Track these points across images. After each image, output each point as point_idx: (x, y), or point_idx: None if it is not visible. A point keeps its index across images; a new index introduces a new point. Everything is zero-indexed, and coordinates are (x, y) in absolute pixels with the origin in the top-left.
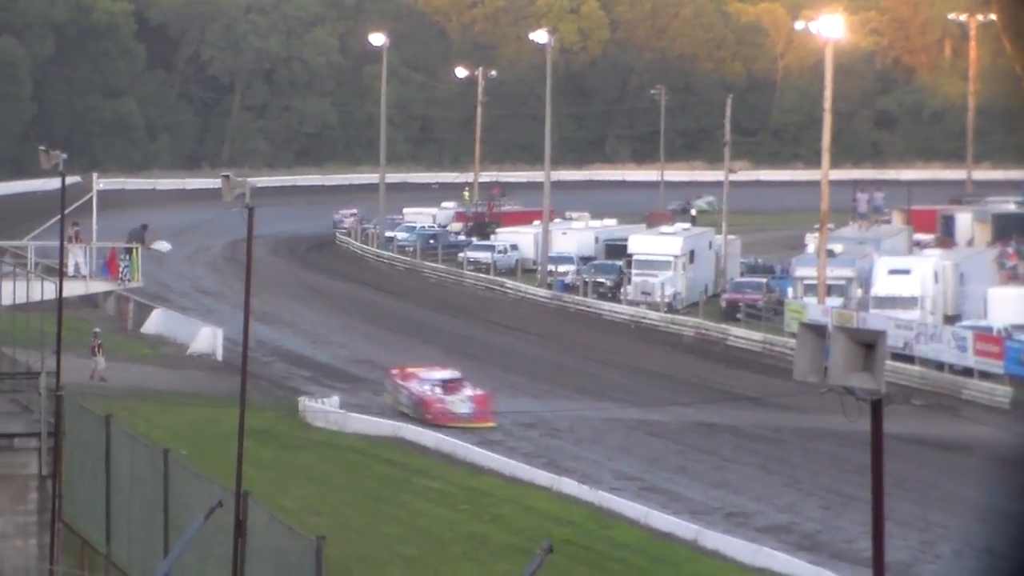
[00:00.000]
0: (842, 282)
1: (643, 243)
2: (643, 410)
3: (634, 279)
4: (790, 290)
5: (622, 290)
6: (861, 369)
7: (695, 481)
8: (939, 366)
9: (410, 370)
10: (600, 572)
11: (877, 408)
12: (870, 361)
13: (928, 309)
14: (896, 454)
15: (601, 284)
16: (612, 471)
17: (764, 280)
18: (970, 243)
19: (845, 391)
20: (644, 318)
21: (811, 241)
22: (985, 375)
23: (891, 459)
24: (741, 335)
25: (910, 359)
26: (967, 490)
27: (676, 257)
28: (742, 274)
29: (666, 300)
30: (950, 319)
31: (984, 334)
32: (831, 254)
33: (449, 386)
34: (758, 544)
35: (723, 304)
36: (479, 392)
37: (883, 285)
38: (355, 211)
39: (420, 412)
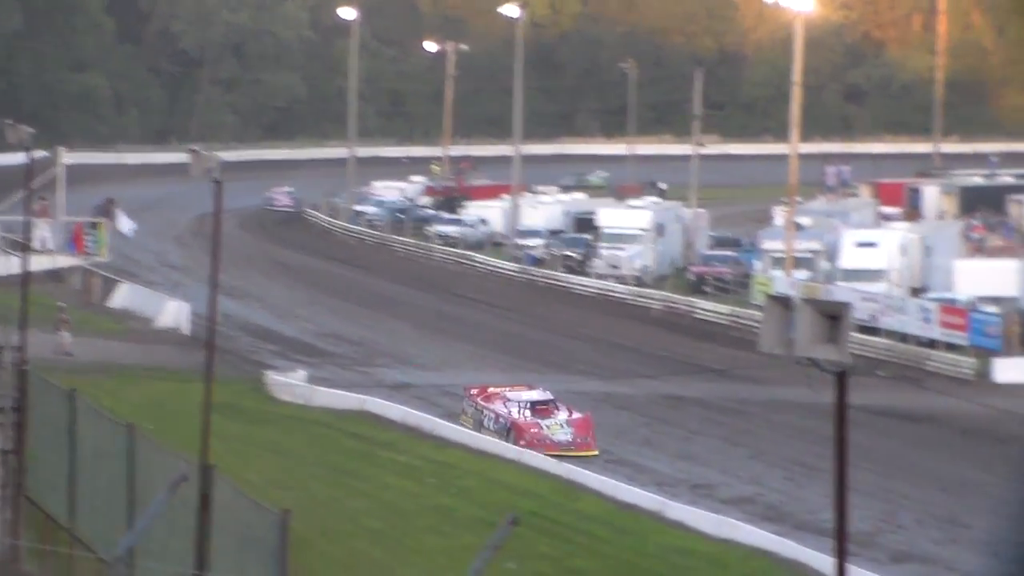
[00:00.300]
0: (809, 255)
1: (612, 217)
2: (610, 383)
3: (602, 253)
4: (758, 263)
5: (590, 264)
6: (826, 341)
7: (661, 453)
8: (905, 338)
9: (492, 390)
10: (565, 544)
11: (842, 380)
12: (835, 333)
13: (895, 281)
14: (861, 425)
15: (570, 258)
16: None
17: (733, 253)
18: (937, 216)
19: (810, 363)
20: (612, 291)
21: (779, 214)
22: (950, 347)
23: (856, 430)
24: (709, 308)
25: (876, 331)
26: (931, 461)
27: (644, 231)
28: (710, 247)
29: (634, 273)
30: (916, 291)
31: (949, 306)
32: (799, 227)
33: (539, 408)
34: (723, 515)
35: (691, 277)
36: (577, 415)
37: (850, 258)
38: (289, 189)
39: (512, 438)
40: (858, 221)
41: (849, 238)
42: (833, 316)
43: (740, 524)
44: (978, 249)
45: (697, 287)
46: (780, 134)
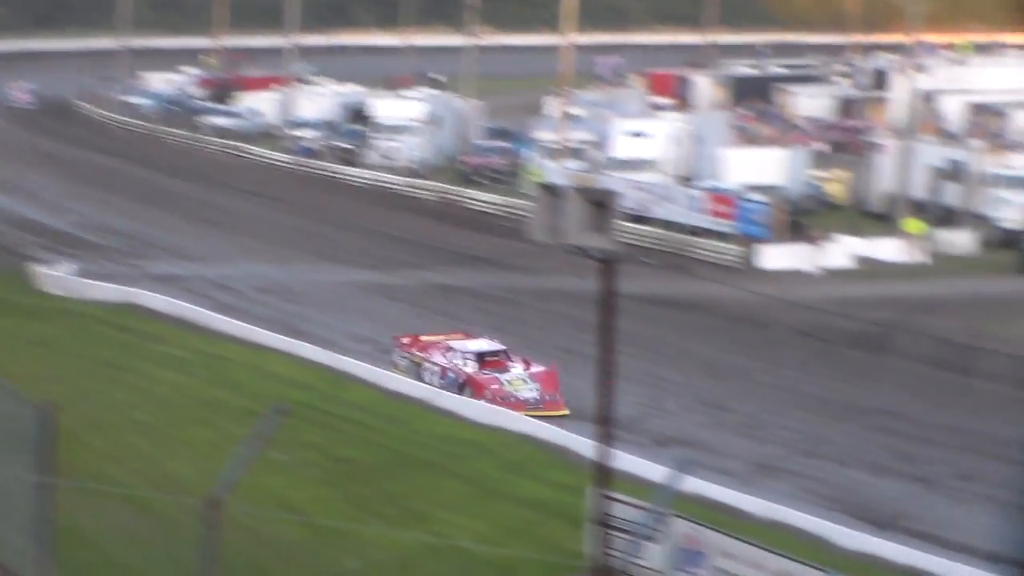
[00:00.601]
0: (581, 145)
1: (386, 108)
2: (383, 274)
3: (377, 144)
4: (530, 154)
5: (365, 155)
6: (594, 229)
7: None
8: (674, 226)
9: (427, 338)
10: (334, 433)
11: (609, 267)
12: (602, 221)
13: (665, 171)
14: (629, 312)
15: (344, 149)
16: (350, 334)
17: (506, 144)
18: (707, 106)
19: (579, 251)
20: (386, 183)
21: (552, 105)
22: (719, 235)
23: (624, 318)
24: (482, 198)
25: (647, 220)
26: (697, 346)
27: (418, 122)
28: (484, 139)
29: (408, 165)
30: (686, 180)
31: (718, 195)
32: (571, 118)
33: (489, 361)
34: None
35: (465, 168)
36: (538, 368)
37: (621, 148)
38: (29, 85)
39: (467, 395)
40: (630, 111)
41: (621, 128)
42: (600, 204)
43: (507, 411)
44: (747, 138)
45: (470, 178)
46: (554, 25)
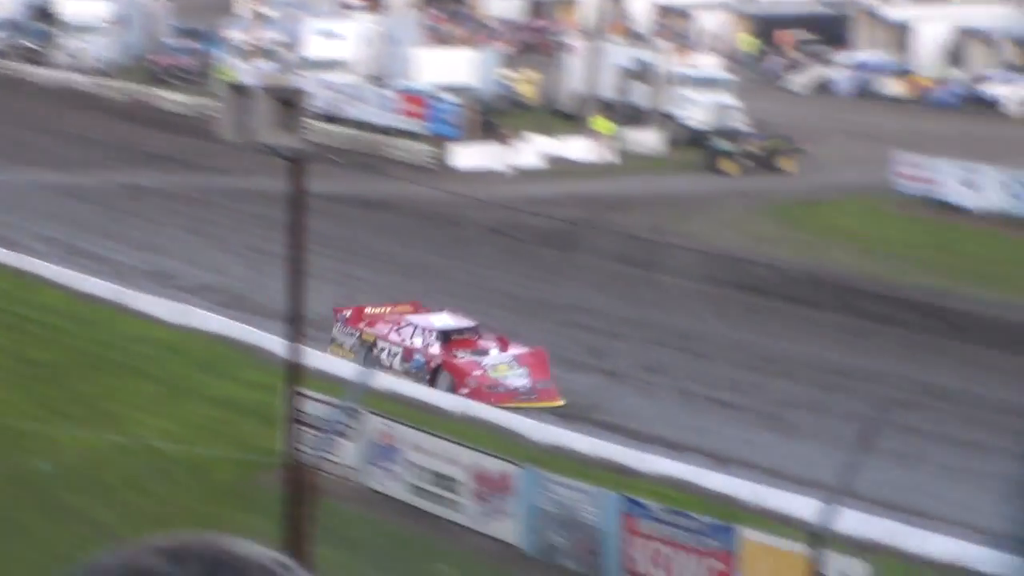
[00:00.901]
0: (273, 45)
1: (72, 7)
2: (70, 175)
3: (63, 44)
4: (220, 53)
5: (51, 55)
6: (283, 128)
7: (122, 244)
8: (366, 126)
9: (373, 311)
10: (22, 336)
11: (298, 166)
12: (291, 120)
13: (357, 71)
14: (320, 212)
15: (29, 49)
16: (37, 236)
17: (196, 44)
18: (399, 6)
19: (268, 149)
20: (74, 83)
21: (243, 5)
22: (411, 135)
23: (315, 217)
24: (171, 98)
25: (339, 120)
26: (389, 245)
27: (106, 21)
28: (174, 38)
29: (97, 65)
30: (378, 80)
31: (410, 95)
32: (262, 17)
33: (457, 340)
34: (184, 304)
35: (154, 68)
36: (521, 350)
37: (313, 48)
38: None
39: (444, 384)
40: (321, 11)
41: (312, 28)
42: (289, 103)
43: (199, 311)
44: (438, 39)
45: (160, 78)
46: None
